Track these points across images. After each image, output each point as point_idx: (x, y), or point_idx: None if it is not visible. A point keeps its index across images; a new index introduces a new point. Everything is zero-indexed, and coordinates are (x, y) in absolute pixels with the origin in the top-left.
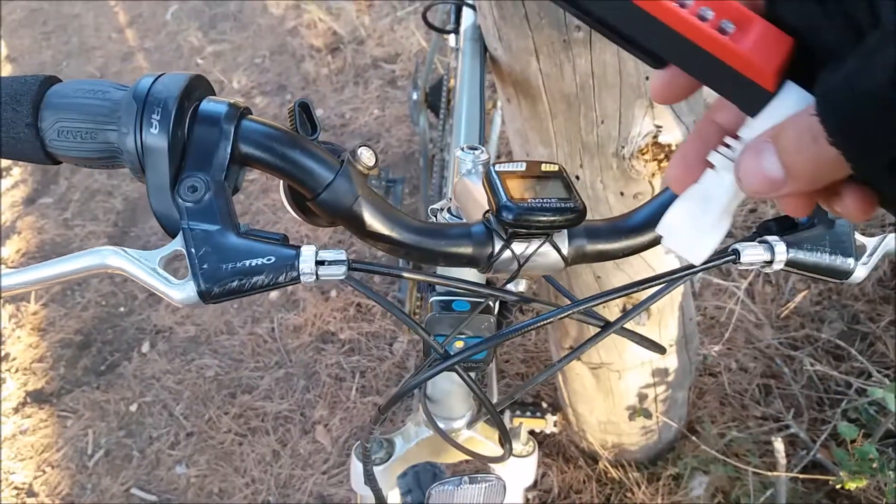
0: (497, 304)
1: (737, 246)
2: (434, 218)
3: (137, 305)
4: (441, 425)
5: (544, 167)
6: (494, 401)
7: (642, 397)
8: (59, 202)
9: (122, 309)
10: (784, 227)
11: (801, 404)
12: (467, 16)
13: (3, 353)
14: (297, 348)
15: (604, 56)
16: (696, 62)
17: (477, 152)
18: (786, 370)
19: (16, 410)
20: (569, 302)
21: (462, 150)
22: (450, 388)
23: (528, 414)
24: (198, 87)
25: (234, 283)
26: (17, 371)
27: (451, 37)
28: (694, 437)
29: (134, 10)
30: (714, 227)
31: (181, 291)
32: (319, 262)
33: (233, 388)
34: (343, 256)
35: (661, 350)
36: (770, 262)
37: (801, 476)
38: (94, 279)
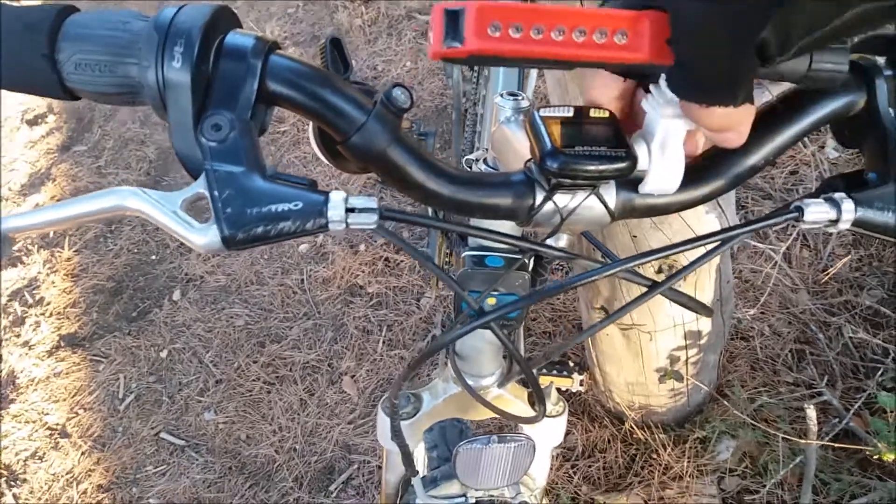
0: (532, 259)
1: (800, 203)
2: (470, 168)
3: (169, 254)
4: (469, 382)
5: (594, 113)
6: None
7: (674, 359)
8: (93, 150)
9: (153, 257)
10: (852, 184)
11: (836, 371)
12: None
13: (37, 297)
14: (326, 300)
15: None
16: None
17: (518, 98)
18: (820, 336)
19: (49, 353)
20: (610, 261)
21: (501, 96)
22: (480, 346)
23: (555, 372)
24: (224, 18)
25: (260, 229)
26: (50, 315)
27: None
28: (723, 401)
29: None
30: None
31: (204, 236)
32: (349, 210)
33: (262, 337)
34: (374, 204)
35: (708, 312)
36: (836, 221)
37: (832, 445)
38: (127, 226)
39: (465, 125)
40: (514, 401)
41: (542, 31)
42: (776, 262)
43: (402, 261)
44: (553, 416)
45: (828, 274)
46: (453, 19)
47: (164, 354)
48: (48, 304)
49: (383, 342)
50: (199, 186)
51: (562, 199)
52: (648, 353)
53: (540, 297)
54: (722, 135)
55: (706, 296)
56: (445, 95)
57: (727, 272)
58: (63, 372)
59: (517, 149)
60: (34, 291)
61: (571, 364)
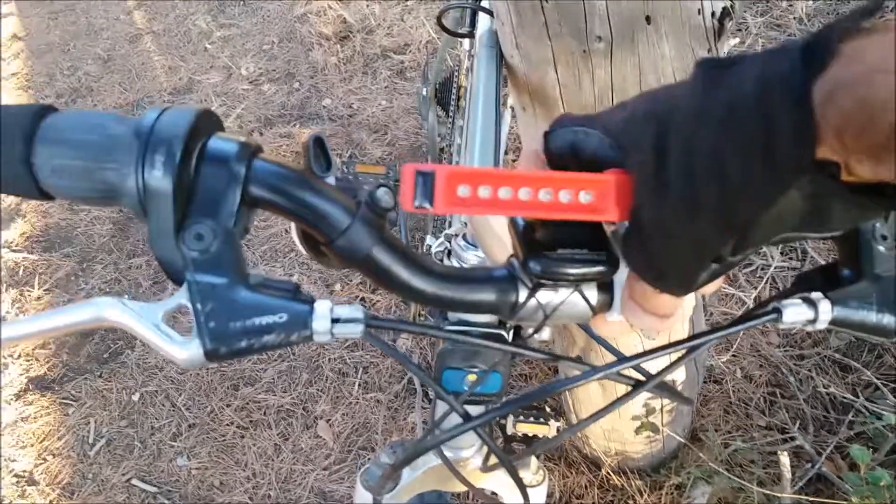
0: (511, 333)
1: (778, 305)
2: (448, 243)
3: (142, 293)
4: (449, 455)
5: None
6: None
7: (650, 410)
8: None
9: (125, 297)
10: (828, 280)
11: (807, 415)
12: (483, 21)
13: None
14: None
15: (624, 68)
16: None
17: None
18: (791, 380)
19: (17, 397)
20: (587, 362)
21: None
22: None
23: (532, 419)
24: (206, 122)
25: (243, 343)
26: (19, 357)
27: (465, 40)
28: (697, 447)
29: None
30: None
31: (185, 350)
32: (335, 320)
33: (235, 379)
34: (360, 314)
35: (688, 402)
36: (813, 321)
37: (806, 497)
38: (98, 264)
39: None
40: (495, 473)
41: (510, 192)
42: (748, 307)
43: (377, 300)
44: (533, 487)
45: None
46: (424, 182)
47: (136, 397)
48: (17, 345)
49: (359, 385)
50: (182, 298)
51: (545, 297)
52: (625, 403)
53: (523, 403)
54: (662, 322)
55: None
56: (420, 135)
57: (699, 323)
58: (31, 416)
59: (498, 233)
60: None
61: (548, 410)
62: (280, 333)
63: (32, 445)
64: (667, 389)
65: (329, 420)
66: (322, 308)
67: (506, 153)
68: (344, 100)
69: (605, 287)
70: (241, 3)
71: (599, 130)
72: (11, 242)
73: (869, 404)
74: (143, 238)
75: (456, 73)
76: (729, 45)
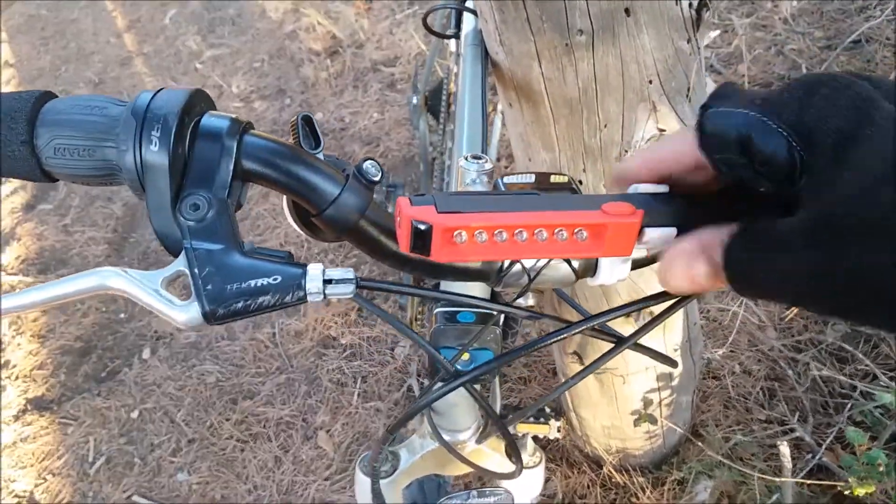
0: (502, 315)
1: None
2: None
3: (138, 311)
4: (447, 437)
5: (553, 178)
6: (497, 407)
7: (647, 402)
8: (59, 208)
9: (122, 315)
10: None
11: (806, 407)
12: (468, 21)
13: (3, 361)
14: (299, 353)
15: (606, 60)
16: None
17: (481, 161)
18: (790, 373)
19: (16, 418)
20: (580, 317)
21: (466, 159)
22: (456, 401)
23: (532, 419)
24: (199, 101)
25: (240, 304)
26: (17, 378)
27: (452, 41)
28: (698, 442)
29: (132, 14)
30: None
31: (185, 313)
32: (327, 281)
33: (234, 394)
34: (351, 275)
35: (672, 364)
36: None
37: (806, 482)
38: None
39: (433, 175)
40: (491, 454)
41: (506, 235)
42: (742, 301)
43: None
44: (529, 468)
45: (792, 311)
46: (420, 235)
47: (134, 415)
48: (14, 366)
49: (358, 394)
50: (179, 265)
51: (529, 261)
52: (623, 397)
53: (511, 358)
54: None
55: (675, 338)
56: (413, 145)
57: (693, 314)
58: (30, 436)
59: None
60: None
61: (548, 410)
62: (275, 294)
63: (32, 465)
64: (648, 350)
65: (329, 430)
66: (314, 270)
67: (498, 160)
68: (336, 113)
69: None
70: (231, 22)
71: (782, 125)
72: (7, 266)
73: (868, 389)
74: (139, 257)
75: (446, 81)
76: (709, 37)
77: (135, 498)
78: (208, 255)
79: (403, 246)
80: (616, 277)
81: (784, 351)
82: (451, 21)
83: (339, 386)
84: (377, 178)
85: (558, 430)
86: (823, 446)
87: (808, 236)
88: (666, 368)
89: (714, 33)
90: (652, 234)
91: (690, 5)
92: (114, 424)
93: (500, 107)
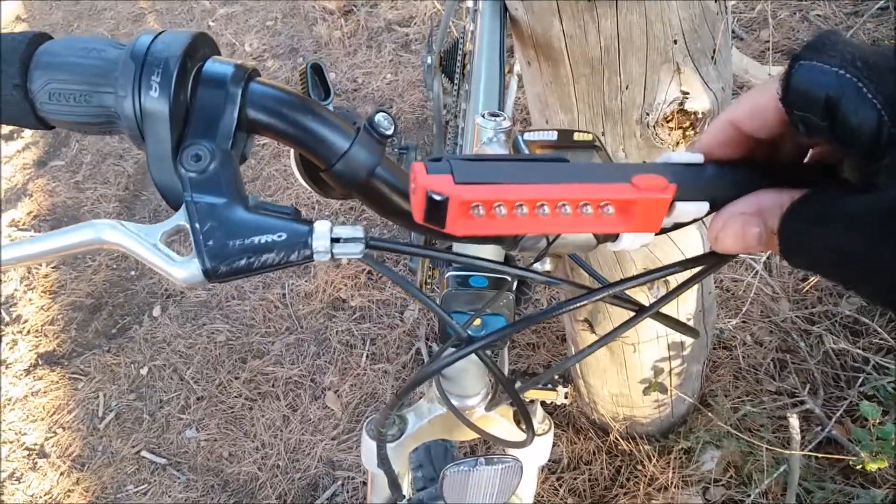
0: (515, 279)
1: None
2: None
3: (148, 269)
4: (455, 403)
5: (577, 136)
6: (505, 372)
7: (657, 371)
8: (71, 165)
9: (132, 273)
10: None
11: (817, 380)
12: None
13: (14, 315)
14: (308, 315)
15: (630, 17)
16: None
17: (499, 119)
18: (802, 345)
19: (27, 372)
20: (595, 284)
21: (483, 116)
22: (465, 366)
23: (539, 385)
24: (202, 46)
25: (243, 262)
26: (28, 333)
27: (469, 2)
28: (707, 411)
29: None
30: None
31: (185, 269)
32: (335, 240)
33: (243, 353)
34: (360, 233)
35: (695, 334)
36: None
37: (815, 454)
38: None
39: (446, 138)
40: (499, 420)
41: (527, 209)
42: (757, 272)
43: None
44: (539, 435)
45: (808, 283)
46: (436, 206)
47: (144, 371)
48: (25, 321)
49: (367, 356)
50: (180, 219)
51: None
52: (632, 365)
53: (526, 325)
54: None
55: (689, 308)
56: (426, 108)
57: (709, 283)
58: (41, 391)
59: None
60: (11, 309)
61: (556, 377)
62: (280, 252)
63: (43, 419)
64: (670, 319)
65: (337, 391)
66: (322, 227)
67: (513, 125)
68: (349, 74)
69: None
70: None
71: (878, 95)
72: (19, 221)
73: (881, 362)
74: (150, 215)
75: (461, 41)
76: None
77: (143, 453)
78: (210, 209)
79: (418, 216)
80: (640, 242)
81: (797, 322)
82: None
83: (347, 347)
84: (390, 132)
85: (566, 397)
86: (833, 419)
87: (882, 219)
88: (677, 337)
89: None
90: (683, 208)
91: None
92: (123, 380)
93: (516, 68)
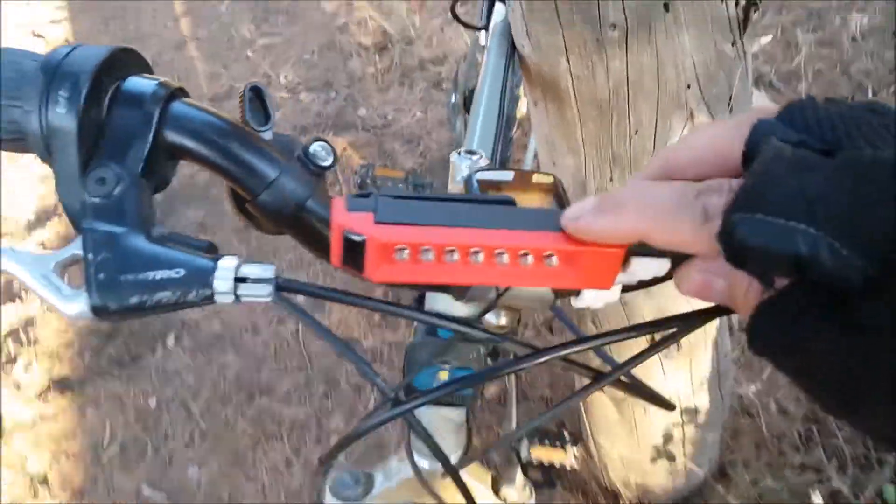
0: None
1: None
2: None
3: None
4: (426, 464)
5: (536, 178)
6: (513, 427)
7: (667, 438)
8: None
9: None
10: None
11: (846, 455)
12: (498, 11)
13: (32, 337)
14: (320, 353)
15: (641, 59)
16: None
17: (475, 157)
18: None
19: (39, 396)
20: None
21: (458, 153)
22: (436, 423)
23: (547, 443)
24: (124, 61)
25: (134, 300)
26: (43, 356)
27: (482, 34)
28: (724, 483)
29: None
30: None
31: (73, 305)
32: (240, 280)
33: (252, 388)
34: (270, 273)
35: (669, 407)
36: None
37: None
38: None
39: None
40: (475, 486)
41: (458, 256)
42: None
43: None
44: None
45: None
46: (352, 248)
47: (152, 402)
48: (42, 344)
49: (375, 400)
50: (76, 248)
51: None
52: (643, 427)
53: (451, 389)
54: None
55: (702, 370)
56: (453, 146)
57: (725, 346)
58: (50, 416)
59: None
60: (29, 329)
61: (567, 435)
62: (176, 290)
63: (49, 446)
64: (641, 388)
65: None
66: (227, 264)
67: (492, 163)
68: (379, 110)
69: None
70: (285, 12)
71: (855, 251)
72: (46, 242)
73: None
74: None
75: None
76: (758, 43)
77: (143, 487)
78: (107, 239)
79: (335, 258)
80: (603, 300)
81: None
82: (482, 12)
83: (356, 389)
84: (327, 163)
85: (575, 458)
86: (862, 499)
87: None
88: (691, 402)
89: (765, 39)
90: (641, 264)
91: (737, 4)
92: (131, 411)
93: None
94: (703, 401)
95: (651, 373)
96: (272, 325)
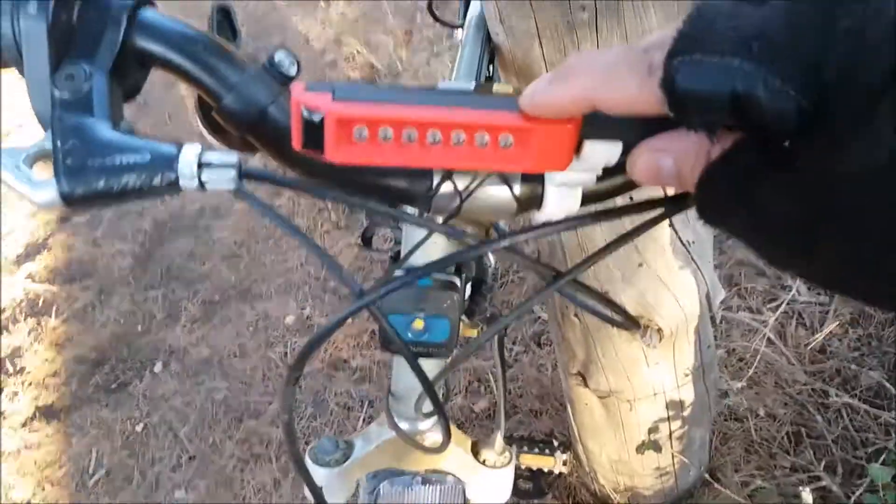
0: (468, 284)
1: None
2: None
3: (155, 325)
4: (406, 426)
5: (497, 88)
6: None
7: (654, 431)
8: (92, 221)
9: (139, 328)
10: None
11: (835, 456)
12: (473, 7)
13: (19, 367)
14: (308, 374)
15: (611, 40)
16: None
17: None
18: (818, 418)
19: (24, 425)
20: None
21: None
22: (415, 384)
23: (536, 451)
24: None
25: (101, 183)
26: (30, 385)
27: (460, 32)
28: (715, 485)
29: None
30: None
31: (42, 192)
32: (204, 165)
33: (240, 412)
34: (233, 159)
35: (635, 325)
36: None
37: None
38: (116, 296)
39: None
40: (454, 450)
41: (415, 134)
42: (765, 336)
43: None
44: (497, 468)
45: (825, 353)
46: (312, 127)
47: (139, 428)
48: (29, 373)
49: (364, 419)
50: (46, 141)
51: (462, 181)
52: (630, 425)
53: (419, 275)
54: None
55: (686, 360)
56: None
57: (707, 336)
58: (35, 444)
59: None
60: (16, 360)
61: (555, 443)
62: (141, 174)
63: (33, 474)
64: (590, 291)
65: None
66: (190, 150)
67: None
68: None
69: (533, 178)
70: None
71: (792, 85)
72: (35, 274)
73: None
74: (163, 272)
75: None
76: None
77: None
78: (75, 128)
79: (295, 140)
80: (565, 210)
81: (813, 394)
82: (460, 11)
83: (345, 410)
84: (291, 73)
85: (564, 464)
86: (852, 499)
87: (808, 205)
88: (676, 395)
89: None
90: (593, 147)
91: None
92: (118, 436)
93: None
94: (688, 394)
95: (635, 365)
96: (261, 349)
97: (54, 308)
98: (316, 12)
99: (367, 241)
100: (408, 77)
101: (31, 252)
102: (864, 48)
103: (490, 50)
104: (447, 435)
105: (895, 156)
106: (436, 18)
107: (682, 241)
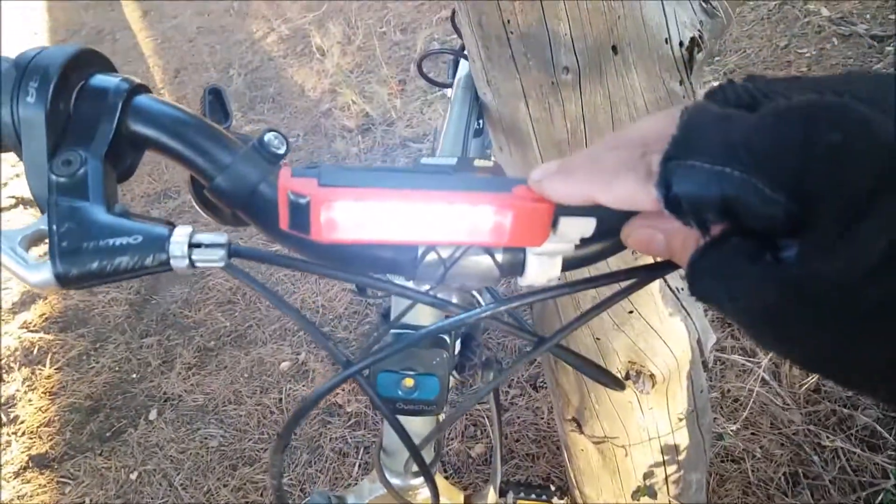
0: (457, 340)
1: None
2: None
3: (150, 372)
4: (397, 482)
5: (478, 163)
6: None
7: (649, 476)
8: None
9: (134, 375)
10: None
11: (833, 496)
12: (462, 67)
13: (12, 416)
14: (304, 420)
15: (594, 99)
16: None
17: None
18: (815, 458)
19: (16, 475)
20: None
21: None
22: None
23: (534, 497)
24: (90, 61)
25: (95, 265)
26: (23, 434)
27: (450, 91)
28: None
29: (179, 91)
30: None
31: (38, 273)
32: (194, 245)
33: (235, 459)
34: (222, 240)
35: (619, 385)
36: None
37: None
38: (111, 344)
39: None
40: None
41: (398, 215)
42: (759, 376)
43: None
44: None
45: (820, 393)
46: (298, 210)
47: (133, 476)
48: (22, 422)
49: (359, 465)
50: (41, 222)
51: (446, 251)
52: (625, 471)
53: (398, 349)
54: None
55: (678, 406)
56: None
57: (700, 381)
58: (28, 494)
59: None
60: (10, 409)
61: (552, 487)
62: (134, 255)
63: None
64: (578, 358)
65: None
66: (181, 232)
67: None
68: None
69: (514, 247)
70: (271, 100)
71: (779, 192)
72: (30, 323)
73: None
74: (157, 318)
75: None
76: (710, 84)
77: None
78: (71, 211)
79: (282, 221)
80: (546, 277)
81: (809, 435)
82: (449, 70)
83: (340, 456)
84: (281, 152)
85: None
86: None
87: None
88: (670, 440)
89: (716, 83)
90: (567, 223)
91: (681, 44)
92: (112, 485)
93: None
94: (682, 438)
95: (629, 411)
96: (255, 396)
97: (49, 357)
98: (311, 63)
99: (361, 289)
100: (402, 125)
101: (26, 301)
102: (847, 165)
103: (479, 107)
104: (436, 498)
105: (881, 260)
106: (426, 78)
107: (671, 289)
